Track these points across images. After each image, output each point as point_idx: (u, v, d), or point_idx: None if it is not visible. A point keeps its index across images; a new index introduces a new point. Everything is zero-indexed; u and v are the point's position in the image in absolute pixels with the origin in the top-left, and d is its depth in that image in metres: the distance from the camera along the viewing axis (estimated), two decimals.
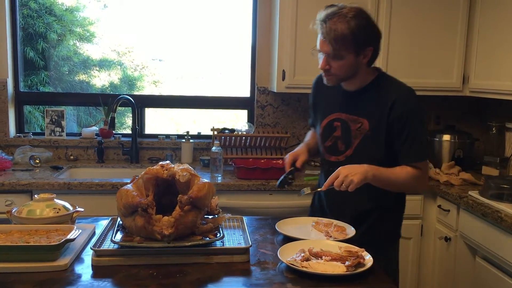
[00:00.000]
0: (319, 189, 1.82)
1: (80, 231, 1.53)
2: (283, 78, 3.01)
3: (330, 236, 1.74)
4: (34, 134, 3.30)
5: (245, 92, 3.45)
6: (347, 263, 1.44)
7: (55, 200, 1.68)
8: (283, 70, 3.01)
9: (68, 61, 4.50)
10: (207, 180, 1.61)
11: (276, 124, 3.37)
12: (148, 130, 3.56)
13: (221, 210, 1.73)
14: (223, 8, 3.63)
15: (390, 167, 1.82)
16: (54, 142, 3.20)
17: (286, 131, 3.35)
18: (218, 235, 1.55)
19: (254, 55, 3.38)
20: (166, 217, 1.49)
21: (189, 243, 1.47)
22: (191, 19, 3.79)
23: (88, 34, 4.59)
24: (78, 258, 1.50)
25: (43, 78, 4.35)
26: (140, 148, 3.23)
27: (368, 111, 1.85)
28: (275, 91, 3.10)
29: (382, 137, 1.83)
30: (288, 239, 1.72)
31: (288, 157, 1.97)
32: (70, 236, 1.47)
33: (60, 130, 3.23)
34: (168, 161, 1.64)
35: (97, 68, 4.70)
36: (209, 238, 1.53)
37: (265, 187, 2.73)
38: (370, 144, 1.85)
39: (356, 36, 1.72)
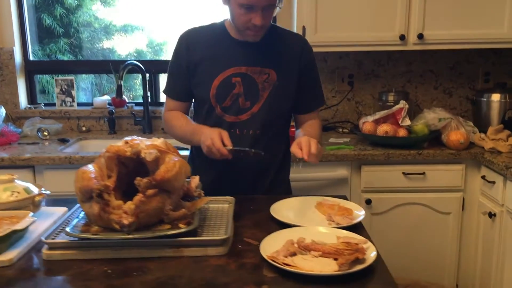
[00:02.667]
0: (299, 160, 1.54)
1: (35, 219, 1.34)
2: (304, 35, 2.68)
3: (333, 221, 1.47)
4: (46, 105, 3.17)
5: None
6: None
7: (16, 181, 1.50)
8: (303, 27, 2.67)
9: (88, 27, 4.32)
10: (179, 158, 1.36)
11: None
12: None
13: (203, 191, 1.48)
14: None
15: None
16: (65, 113, 3.06)
17: None
18: (191, 223, 1.31)
19: None
20: (127, 204, 1.27)
21: (152, 234, 1.24)
22: None
23: None
24: (33, 250, 1.32)
25: (63, 46, 4.20)
26: (153, 117, 3.03)
27: (275, 60, 1.77)
28: None
29: (291, 86, 1.79)
30: (283, 225, 1.46)
31: (216, 142, 1.57)
32: (19, 226, 1.27)
33: (70, 100, 3.08)
34: (134, 136, 1.40)
35: (121, 34, 4.50)
36: (180, 227, 1.30)
37: None
38: (280, 95, 1.77)
39: None
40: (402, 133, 2.55)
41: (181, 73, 1.80)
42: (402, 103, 2.60)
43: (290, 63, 1.79)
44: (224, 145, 1.57)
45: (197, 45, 1.78)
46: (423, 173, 2.51)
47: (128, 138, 1.38)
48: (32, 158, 2.46)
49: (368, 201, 2.52)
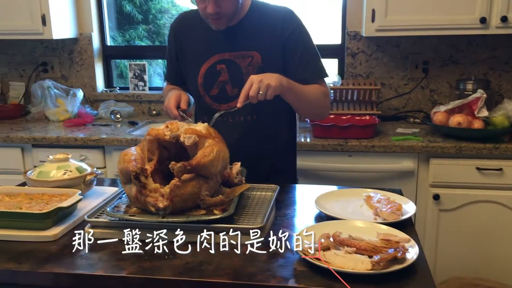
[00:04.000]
0: (233, 109, 1.57)
1: (81, 197, 1.39)
2: (373, 19, 2.55)
3: (379, 216, 1.38)
4: (121, 89, 3.31)
5: (336, 39, 3.03)
6: (376, 257, 1.09)
7: (70, 160, 1.56)
8: (373, 9, 2.54)
9: (166, 13, 4.44)
10: (219, 144, 1.35)
11: (369, 74, 2.92)
12: None
13: (244, 178, 1.46)
14: None
15: None
16: (137, 96, 3.17)
17: (381, 82, 2.89)
18: (227, 210, 1.29)
19: None
20: (164, 188, 1.28)
21: (184, 219, 1.24)
22: None
23: None
24: (79, 228, 1.37)
25: (141, 32, 4.35)
26: None
27: (257, 41, 1.69)
28: (364, 35, 2.66)
29: (279, 65, 1.68)
30: (326, 217, 1.40)
31: (169, 102, 1.67)
32: (65, 203, 1.33)
33: (142, 85, 3.18)
34: (177, 120, 1.40)
35: None
36: (215, 213, 1.28)
37: (343, 147, 2.38)
38: None
39: None
40: (477, 124, 2.35)
41: (172, 61, 1.86)
42: (480, 92, 2.39)
43: (273, 41, 1.68)
44: (181, 109, 1.64)
45: (183, 33, 1.80)
46: (500, 169, 2.30)
47: (169, 122, 1.38)
48: (101, 139, 2.58)
49: (436, 197, 2.36)
